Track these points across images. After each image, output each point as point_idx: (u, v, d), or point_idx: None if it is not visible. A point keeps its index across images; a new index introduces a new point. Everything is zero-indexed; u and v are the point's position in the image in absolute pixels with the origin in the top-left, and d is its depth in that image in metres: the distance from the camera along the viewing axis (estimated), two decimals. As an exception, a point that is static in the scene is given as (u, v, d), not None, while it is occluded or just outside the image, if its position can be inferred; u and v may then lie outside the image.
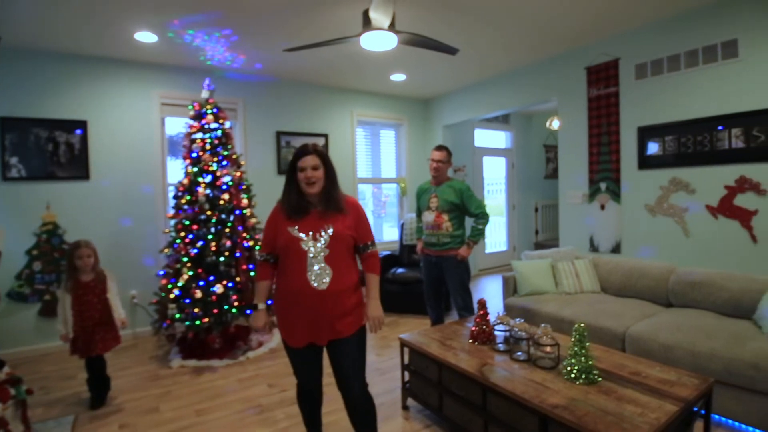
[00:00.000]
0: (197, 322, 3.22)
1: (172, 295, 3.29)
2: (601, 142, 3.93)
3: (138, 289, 4.08)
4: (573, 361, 1.96)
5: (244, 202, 3.62)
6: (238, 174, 3.68)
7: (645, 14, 3.37)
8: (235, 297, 3.32)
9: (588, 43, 3.97)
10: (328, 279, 1.78)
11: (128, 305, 3.98)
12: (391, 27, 2.76)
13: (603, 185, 3.93)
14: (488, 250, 7.06)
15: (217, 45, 3.79)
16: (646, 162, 3.61)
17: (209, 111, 3.65)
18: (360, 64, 4.42)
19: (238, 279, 3.37)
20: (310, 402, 2.04)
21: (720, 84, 3.15)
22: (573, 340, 1.97)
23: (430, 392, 2.44)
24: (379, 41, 2.83)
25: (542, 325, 2.20)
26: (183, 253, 3.35)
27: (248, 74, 4.68)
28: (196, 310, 3.22)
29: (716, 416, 2.39)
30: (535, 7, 3.20)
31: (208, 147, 3.56)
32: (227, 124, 3.77)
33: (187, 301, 3.25)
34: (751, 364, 2.22)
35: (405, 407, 2.64)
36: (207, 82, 3.75)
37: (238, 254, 3.40)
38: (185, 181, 3.53)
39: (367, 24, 2.73)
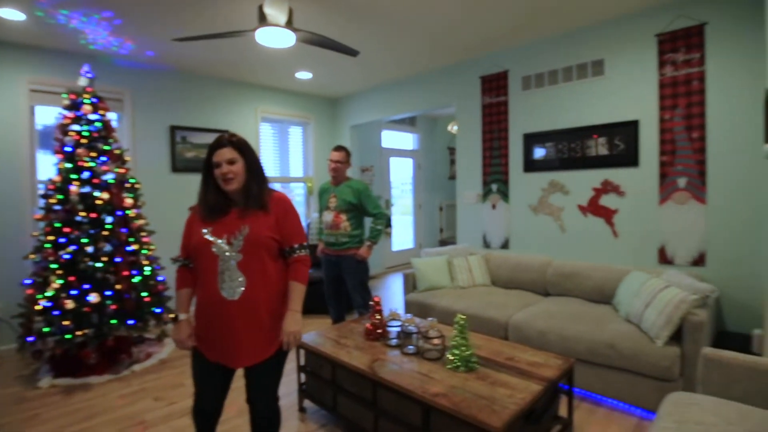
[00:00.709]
0: (68, 336, 2.88)
1: (38, 307, 2.91)
2: (493, 146, 4.24)
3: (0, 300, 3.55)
4: (456, 351, 2.08)
5: (129, 201, 3.31)
6: (122, 171, 3.36)
7: (528, 33, 3.70)
8: (114, 306, 3.02)
9: (480, 55, 4.26)
10: (241, 288, 1.60)
11: (-15, 320, 3.44)
12: (289, 24, 2.72)
13: (494, 186, 4.24)
14: (395, 248, 7.24)
15: (98, 28, 3.42)
16: (531, 166, 3.96)
17: (87, 101, 3.29)
18: (263, 59, 4.28)
19: (118, 287, 3.07)
20: (205, 418, 1.80)
21: (589, 98, 3.57)
22: (455, 331, 2.10)
23: (325, 392, 2.44)
24: (276, 38, 2.77)
25: (429, 319, 2.31)
26: (52, 258, 2.98)
27: (138, 62, 4.29)
28: (66, 322, 2.88)
29: (580, 391, 2.69)
30: (429, 19, 3.35)
31: (84, 141, 3.20)
32: (111, 116, 3.43)
33: (57, 312, 2.90)
34: (608, 344, 2.54)
35: (302, 409, 2.61)
36: (86, 68, 3.37)
37: (118, 259, 3.10)
38: (56, 179, 3.15)
39: (262, 19, 2.66)
